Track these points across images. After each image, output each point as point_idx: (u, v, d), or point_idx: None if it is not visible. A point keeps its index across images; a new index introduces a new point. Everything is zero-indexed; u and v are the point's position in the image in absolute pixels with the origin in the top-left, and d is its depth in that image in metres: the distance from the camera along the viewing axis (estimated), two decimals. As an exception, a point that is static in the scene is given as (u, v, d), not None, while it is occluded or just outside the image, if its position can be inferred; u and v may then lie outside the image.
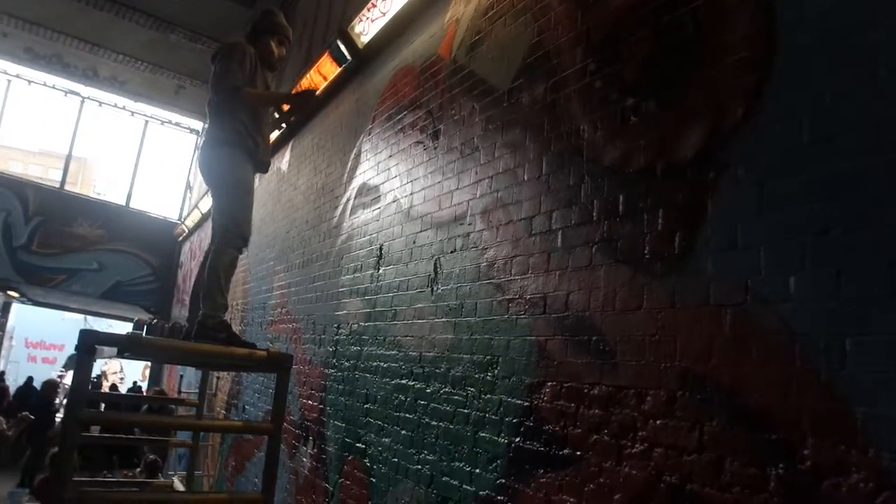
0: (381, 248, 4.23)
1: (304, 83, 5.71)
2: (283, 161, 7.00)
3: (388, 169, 4.38)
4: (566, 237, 2.64)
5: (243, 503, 2.83)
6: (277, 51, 3.38)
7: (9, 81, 12.91)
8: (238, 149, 3.13)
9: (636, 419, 2.17)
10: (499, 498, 2.72)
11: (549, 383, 2.57)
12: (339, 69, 5.19)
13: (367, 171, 4.72)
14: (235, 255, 3.18)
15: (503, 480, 2.72)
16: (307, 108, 3.30)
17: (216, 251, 3.12)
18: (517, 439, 2.68)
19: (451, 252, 3.43)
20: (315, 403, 4.80)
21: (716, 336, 1.97)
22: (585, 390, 2.39)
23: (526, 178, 2.96)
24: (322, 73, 5.42)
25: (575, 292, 2.54)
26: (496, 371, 2.89)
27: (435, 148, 3.80)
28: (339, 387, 4.42)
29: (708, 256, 2.04)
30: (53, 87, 13.00)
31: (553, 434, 2.51)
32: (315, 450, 4.64)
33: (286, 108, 3.48)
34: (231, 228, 3.15)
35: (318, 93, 4.82)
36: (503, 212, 3.07)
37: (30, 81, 12.85)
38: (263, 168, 3.32)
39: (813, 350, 1.71)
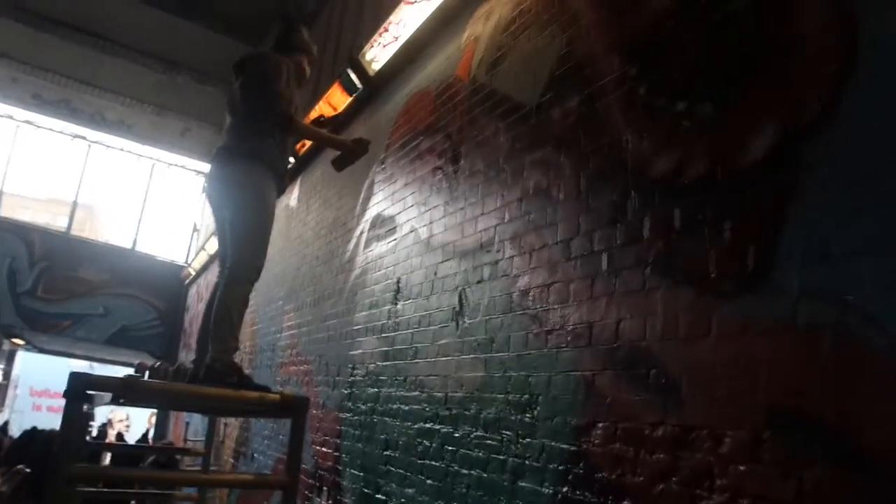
0: (398, 282, 3.96)
1: (313, 114, 5.53)
2: (292, 197, 6.79)
3: (405, 198, 4.14)
4: (612, 259, 2.37)
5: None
6: (308, 70, 3.16)
7: (17, 127, 12.89)
8: (266, 165, 2.84)
9: (711, 465, 1.86)
10: (546, 559, 2.38)
11: (601, 424, 2.27)
12: (349, 99, 5.02)
13: (382, 201, 4.48)
14: (249, 290, 2.89)
15: (549, 538, 2.39)
16: (362, 156, 2.98)
17: (228, 284, 2.83)
18: (564, 489, 2.36)
19: (478, 282, 3.15)
20: (329, 451, 4.46)
21: (810, 364, 1.67)
22: (646, 432, 2.09)
23: (561, 197, 2.71)
24: (332, 104, 5.24)
25: (626, 320, 2.25)
26: (536, 412, 2.59)
27: (455, 172, 3.56)
28: (356, 432, 4.09)
29: (792, 271, 1.76)
30: (61, 133, 12.98)
31: (608, 483, 2.19)
32: (330, 502, 4.28)
33: (339, 153, 3.16)
34: (247, 256, 2.85)
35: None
36: (536, 235, 2.81)
37: (37, 126, 12.83)
38: (282, 191, 3.06)
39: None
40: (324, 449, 4.58)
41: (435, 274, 3.56)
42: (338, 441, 4.37)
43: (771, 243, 1.83)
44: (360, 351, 4.30)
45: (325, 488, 4.43)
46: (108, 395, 2.28)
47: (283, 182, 3.01)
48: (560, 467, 2.41)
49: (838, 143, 1.71)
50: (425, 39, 4.21)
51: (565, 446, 2.40)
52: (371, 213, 4.56)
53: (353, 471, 4.04)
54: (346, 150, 3.09)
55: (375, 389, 3.95)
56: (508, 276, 2.94)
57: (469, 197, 3.38)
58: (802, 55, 1.85)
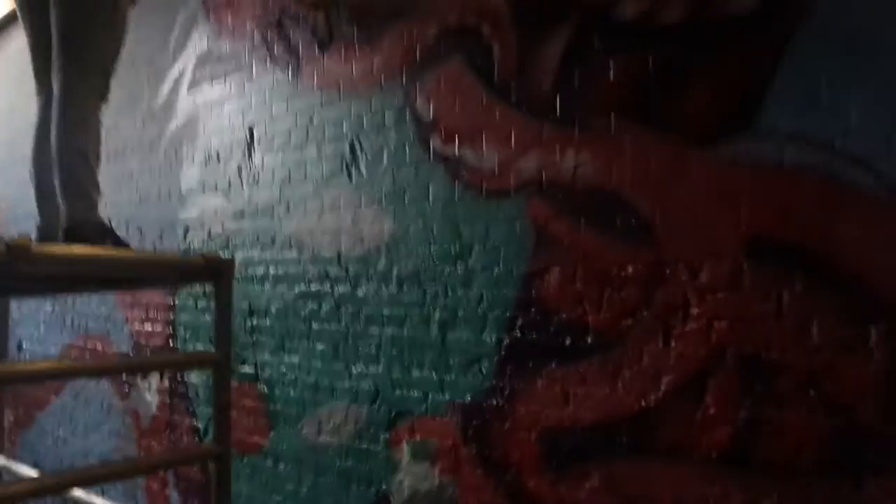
0: (251, 132, 3.43)
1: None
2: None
3: (251, 32, 3.50)
4: (566, 103, 2.32)
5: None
6: None
7: None
8: None
9: (687, 296, 2.03)
10: (491, 402, 2.44)
11: (556, 268, 2.31)
12: None
13: (213, 34, 3.74)
14: (100, 113, 2.26)
15: (493, 382, 2.44)
16: None
17: (70, 111, 2.15)
18: (513, 333, 2.40)
19: (378, 130, 2.87)
20: (158, 329, 3.90)
21: (794, 199, 1.87)
22: (613, 272, 2.18)
23: (493, 34, 2.52)
24: None
25: (586, 165, 2.26)
26: (469, 262, 2.53)
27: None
28: (202, 303, 3.62)
29: (780, 118, 1.90)
30: None
31: (566, 322, 2.27)
32: (167, 383, 3.81)
33: None
34: (98, 70, 2.21)
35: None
36: (461, 76, 2.61)
37: None
38: None
39: (922, 204, 1.69)
40: (147, 327, 3.99)
41: (310, 121, 3.15)
42: (170, 316, 3.83)
43: (760, 90, 1.94)
44: (194, 213, 3.72)
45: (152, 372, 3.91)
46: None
47: None
48: (506, 314, 2.43)
49: (836, -5, 1.84)
50: None
51: (511, 293, 2.42)
52: (196, 48, 3.79)
53: (201, 346, 3.61)
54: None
55: (227, 253, 3.48)
56: (422, 122, 2.72)
57: (360, 31, 2.98)
58: None
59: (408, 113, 2.76)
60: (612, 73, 2.21)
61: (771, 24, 1.92)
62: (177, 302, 3.78)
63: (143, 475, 3.39)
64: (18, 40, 5.10)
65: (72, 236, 2.09)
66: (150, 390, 3.92)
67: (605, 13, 2.24)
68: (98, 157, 2.23)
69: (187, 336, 3.71)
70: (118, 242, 2.21)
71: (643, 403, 2.10)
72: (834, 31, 1.83)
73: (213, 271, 2.04)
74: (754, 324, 1.90)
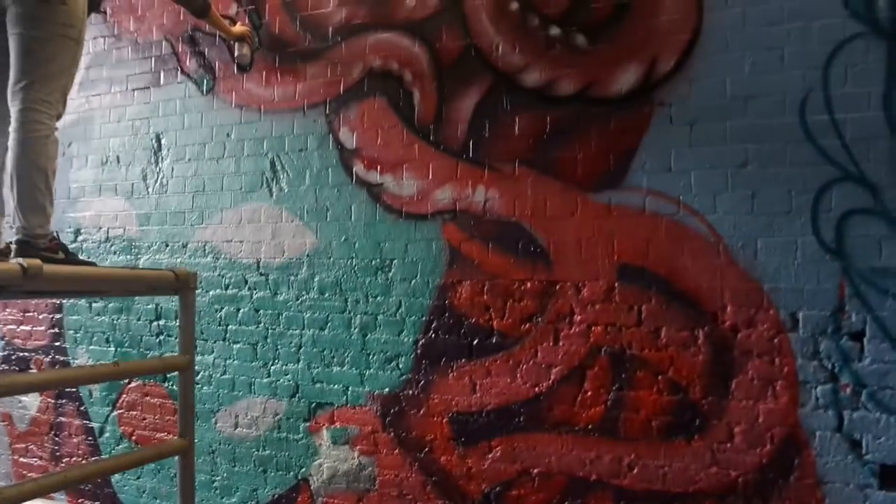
0: (158, 139, 3.52)
1: None
2: None
3: (157, 41, 3.58)
4: (478, 148, 2.83)
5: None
6: None
7: None
8: None
9: (573, 307, 2.66)
10: (408, 392, 2.90)
11: (467, 282, 2.82)
12: None
13: (107, 37, 3.72)
14: (56, 136, 2.36)
15: (410, 375, 2.90)
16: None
17: (31, 129, 2.24)
18: (428, 335, 2.87)
19: (300, 151, 3.18)
20: (41, 328, 3.81)
21: (652, 238, 2.56)
22: (514, 286, 2.75)
23: (415, 81, 2.96)
24: None
25: (495, 199, 2.80)
26: (390, 274, 2.96)
27: (258, 28, 3.30)
28: (96, 303, 3.63)
29: (643, 177, 2.58)
30: None
31: (475, 326, 2.80)
32: (50, 383, 3.74)
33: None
34: (56, 91, 2.31)
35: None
36: (383, 114, 3.02)
37: None
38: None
39: (734, 247, 2.45)
40: (26, 328, 3.86)
41: (228, 135, 3.34)
42: (56, 316, 3.76)
43: (629, 155, 2.60)
44: (89, 213, 3.69)
45: (34, 370, 3.81)
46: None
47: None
48: (422, 318, 2.90)
49: (683, 92, 2.54)
50: None
51: (427, 301, 2.89)
52: (93, 47, 3.73)
53: (94, 346, 3.62)
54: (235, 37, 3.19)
55: (130, 256, 3.55)
56: (345, 149, 3.08)
57: (283, 59, 3.24)
58: (664, 19, 2.58)
59: (331, 139, 3.11)
60: (517, 127, 2.77)
61: (639, 106, 2.59)
62: (65, 303, 3.73)
63: (110, 475, 3.37)
64: None
65: (26, 247, 2.20)
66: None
67: (514, 77, 2.79)
68: (54, 173, 2.34)
69: (78, 337, 3.69)
70: (68, 254, 2.34)
71: (537, 390, 2.69)
72: (679, 118, 2.54)
73: (181, 283, 2.28)
74: (621, 328, 2.58)
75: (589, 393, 2.61)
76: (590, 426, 2.60)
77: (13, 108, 2.26)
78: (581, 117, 2.68)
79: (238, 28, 3.18)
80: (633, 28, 2.63)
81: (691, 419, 2.46)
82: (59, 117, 2.34)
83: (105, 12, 2.69)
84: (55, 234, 2.33)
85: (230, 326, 3.29)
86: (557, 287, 2.68)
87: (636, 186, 2.59)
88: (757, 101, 2.45)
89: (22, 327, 3.89)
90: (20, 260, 1.77)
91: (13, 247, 2.24)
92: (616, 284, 2.60)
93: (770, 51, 2.45)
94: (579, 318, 2.64)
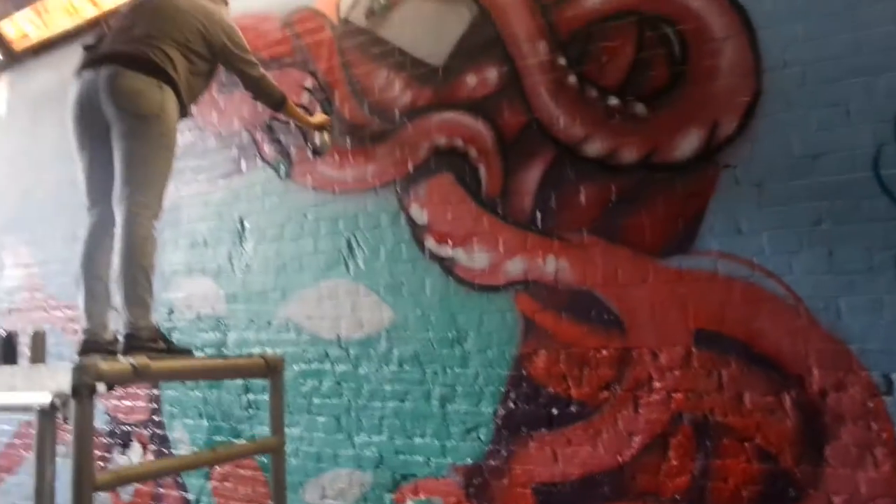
0: (242, 222, 3.77)
1: (56, 4, 4.45)
2: (-7, 101, 5.32)
3: (242, 130, 3.86)
4: (546, 219, 2.90)
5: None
6: None
7: None
8: (174, 95, 2.57)
9: (650, 373, 2.64)
10: (489, 463, 2.93)
11: (542, 351, 2.86)
12: (126, -2, 4.20)
13: (201, 129, 4.05)
14: (155, 235, 2.59)
15: (491, 446, 2.94)
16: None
17: (134, 232, 2.47)
18: (506, 405, 2.91)
19: (374, 228, 3.33)
20: (141, 404, 4.07)
21: (727, 302, 2.53)
22: (590, 354, 2.76)
23: (481, 158, 3.08)
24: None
25: (566, 269, 2.84)
26: (465, 346, 3.03)
27: (328, 111, 3.52)
28: (190, 381, 3.85)
29: (713, 240, 2.58)
30: None
31: (554, 395, 2.82)
32: (150, 456, 3.98)
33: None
34: (155, 195, 2.55)
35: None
36: (452, 189, 3.14)
37: None
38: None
39: (814, 308, 2.40)
40: (127, 402, 4.14)
41: (305, 216, 3.55)
42: (154, 391, 4.02)
43: (697, 219, 2.61)
44: (181, 294, 3.96)
45: (136, 443, 4.06)
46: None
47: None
48: (500, 389, 2.94)
49: (747, 153, 2.54)
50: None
51: (503, 371, 2.94)
52: (181, 140, 4.05)
53: (189, 420, 3.84)
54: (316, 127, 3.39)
55: (219, 334, 3.77)
56: (416, 225, 3.21)
57: (354, 141, 3.44)
58: (722, 83, 2.61)
59: (402, 216, 3.25)
60: (582, 197, 2.83)
61: (704, 170, 2.61)
62: (163, 380, 3.98)
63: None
64: (38, 80, 5.11)
65: (132, 339, 2.41)
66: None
67: (576, 148, 2.86)
68: (153, 268, 2.55)
69: (174, 412, 3.92)
70: (168, 342, 2.54)
71: (619, 459, 2.67)
72: (745, 179, 2.54)
73: (270, 368, 2.43)
74: (702, 394, 2.54)
75: (674, 461, 2.57)
76: (676, 496, 2.55)
77: (118, 214, 2.51)
78: (646, 184, 2.72)
79: (317, 118, 3.37)
80: (691, 93, 2.67)
81: (784, 488, 2.38)
82: (156, 217, 2.57)
83: (192, 116, 2.96)
84: (156, 325, 2.53)
85: (314, 400, 3.42)
86: (634, 354, 2.68)
87: (707, 250, 2.58)
88: (825, 158, 2.43)
89: (124, 402, 4.17)
90: (130, 360, 1.96)
91: (120, 339, 2.45)
92: (693, 350, 2.58)
93: (835, 107, 2.43)
94: (658, 384, 2.63)
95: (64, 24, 4.60)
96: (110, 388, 1.99)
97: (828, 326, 2.37)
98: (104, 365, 1.84)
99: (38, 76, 5.07)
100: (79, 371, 1.78)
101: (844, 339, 2.34)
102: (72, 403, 1.76)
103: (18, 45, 4.95)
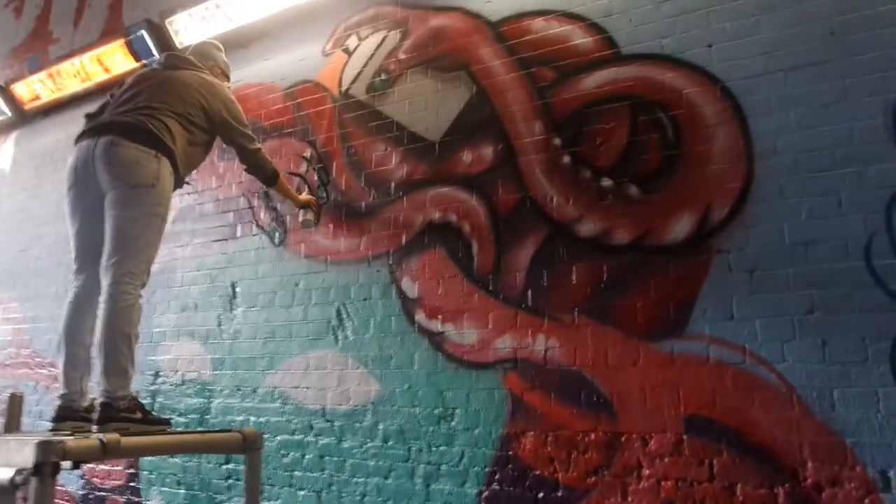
0: (233, 287, 3.75)
1: (69, 69, 4.58)
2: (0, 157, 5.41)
3: (238, 196, 3.90)
4: (537, 297, 2.88)
5: None
6: None
7: None
8: (171, 166, 2.58)
9: (640, 460, 2.56)
10: (473, 547, 2.81)
11: (530, 433, 2.78)
12: (136, 65, 4.33)
13: (199, 193, 4.08)
14: (138, 298, 2.55)
15: (475, 529, 2.82)
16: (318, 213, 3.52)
17: (119, 300, 2.44)
18: (491, 487, 2.81)
19: (364, 300, 3.31)
20: (118, 468, 3.95)
21: (719, 388, 2.48)
22: (578, 437, 2.69)
23: (474, 233, 3.08)
24: (103, 63, 4.42)
25: (555, 348, 2.80)
26: (452, 423, 2.96)
27: (326, 185, 3.56)
28: (170, 447, 3.75)
29: (705, 325, 2.55)
30: None
31: (540, 478, 2.72)
32: None
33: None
34: (143, 263, 2.52)
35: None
36: (443, 265, 3.13)
37: None
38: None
39: (808, 398, 2.34)
40: (104, 466, 4.01)
41: (296, 285, 3.53)
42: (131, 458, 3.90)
43: (690, 303, 2.59)
44: (168, 356, 3.90)
45: (109, 512, 3.91)
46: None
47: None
48: (485, 469, 2.85)
49: (740, 238, 2.54)
50: (266, 30, 3.99)
51: (490, 451, 2.85)
52: (179, 202, 4.10)
53: (166, 488, 3.70)
54: (301, 205, 3.41)
55: (203, 400, 3.69)
56: (407, 298, 3.19)
57: (349, 212, 3.46)
58: (714, 168, 2.64)
59: (393, 289, 3.23)
60: (574, 276, 2.82)
61: (696, 254, 2.61)
62: (143, 446, 3.86)
63: None
64: (44, 138, 5.17)
65: (108, 409, 2.34)
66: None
67: (569, 228, 2.87)
68: (137, 337, 2.51)
69: (152, 479, 3.79)
70: (145, 413, 2.47)
71: (607, 550, 2.56)
72: (738, 265, 2.53)
73: (248, 444, 2.35)
74: (693, 483, 2.45)
75: (664, 555, 2.46)
76: None
77: (104, 281, 2.48)
78: (638, 266, 2.71)
79: (304, 197, 3.41)
80: (684, 177, 2.70)
81: (779, 591, 2.27)
82: (143, 286, 2.55)
83: (189, 183, 2.99)
84: (134, 393, 2.47)
85: (295, 472, 3.31)
86: (623, 439, 2.61)
87: (699, 334, 2.55)
88: (817, 247, 2.43)
89: (101, 466, 4.04)
90: (100, 436, 1.89)
91: (97, 406, 2.39)
92: (684, 436, 2.51)
93: (826, 196, 2.45)
94: (647, 471, 2.54)
95: (74, 87, 4.71)
96: (76, 466, 1.92)
97: (822, 417, 2.31)
98: (71, 442, 1.78)
99: (45, 135, 5.17)
100: (43, 448, 1.72)
101: (839, 431, 2.28)
102: (33, 482, 1.70)
103: (29, 105, 5.06)
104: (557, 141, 2.98)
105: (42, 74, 4.81)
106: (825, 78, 2.55)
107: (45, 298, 4.65)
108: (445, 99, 3.32)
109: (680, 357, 2.56)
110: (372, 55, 3.60)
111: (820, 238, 2.43)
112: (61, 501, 4.14)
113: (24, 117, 5.24)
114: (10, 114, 5.15)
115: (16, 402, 2.75)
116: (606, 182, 2.83)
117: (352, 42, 3.71)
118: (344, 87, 3.66)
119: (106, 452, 1.85)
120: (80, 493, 4.09)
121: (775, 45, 2.67)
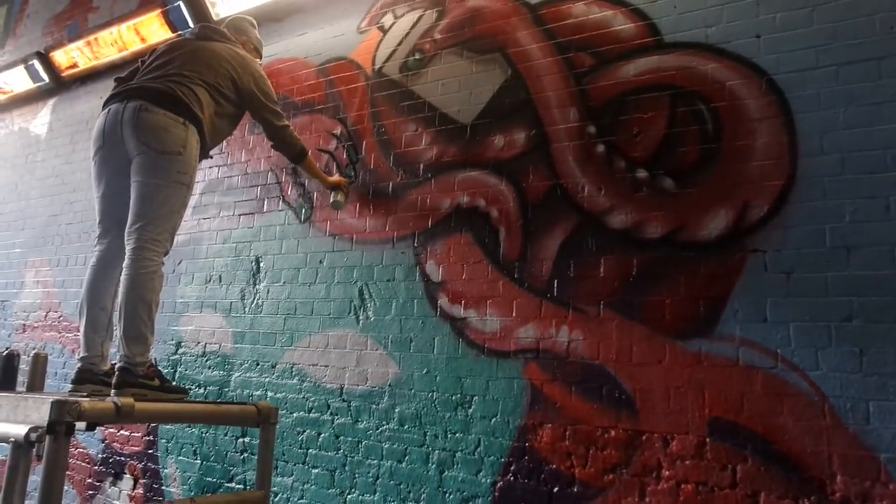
0: (258, 262, 3.75)
1: (106, 37, 4.61)
2: (36, 121, 5.47)
3: (268, 170, 3.88)
4: (563, 287, 2.81)
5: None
6: None
7: None
8: (198, 135, 2.57)
9: (660, 460, 2.49)
10: (484, 537, 2.77)
11: (548, 425, 2.73)
12: (173, 35, 4.33)
13: (228, 166, 4.08)
14: (162, 266, 2.55)
15: (487, 519, 2.79)
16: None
17: (141, 266, 2.44)
18: (506, 477, 2.77)
19: (388, 281, 3.27)
20: (137, 435, 3.99)
21: (747, 392, 2.40)
22: (598, 433, 2.62)
23: (502, 219, 3.02)
24: (140, 33, 4.43)
25: (578, 341, 2.74)
26: (470, 410, 2.91)
27: (354, 162, 3.53)
28: (189, 417, 3.77)
29: (736, 326, 2.46)
30: None
31: (556, 473, 2.67)
32: (140, 491, 3.88)
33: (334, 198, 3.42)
34: (166, 231, 2.52)
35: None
36: (469, 250, 3.08)
37: None
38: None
39: (841, 409, 2.25)
40: (124, 432, 4.07)
41: (320, 262, 3.51)
42: (152, 424, 3.94)
43: (721, 303, 2.50)
44: (190, 327, 3.92)
45: (127, 476, 3.97)
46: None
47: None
48: (501, 459, 2.80)
49: (778, 239, 2.44)
50: (302, 4, 3.95)
51: (506, 442, 2.80)
52: (208, 175, 4.10)
53: (184, 458, 3.74)
54: (331, 186, 3.41)
55: (222, 372, 3.70)
56: (430, 281, 3.15)
57: (376, 192, 3.42)
58: (755, 165, 2.54)
59: (417, 272, 3.19)
60: (602, 268, 2.74)
61: (731, 252, 2.51)
62: (162, 414, 3.90)
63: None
64: (80, 105, 5.24)
65: (126, 374, 2.35)
66: (119, 496, 3.95)
67: (600, 219, 2.79)
68: (157, 305, 2.51)
69: (169, 447, 3.83)
70: (163, 380, 2.47)
71: (621, 550, 2.50)
72: (774, 266, 2.43)
73: (262, 418, 2.34)
74: (714, 489, 2.38)
75: (679, 560, 2.40)
76: None
77: (128, 246, 2.49)
78: (669, 261, 2.62)
79: (334, 178, 3.39)
80: (722, 173, 2.60)
81: None
82: (166, 254, 2.55)
83: (212, 157, 2.98)
84: (153, 360, 2.47)
85: (310, 451, 3.31)
86: (644, 438, 2.54)
87: (729, 336, 2.46)
88: (860, 252, 2.32)
89: (122, 432, 4.09)
90: (115, 399, 1.89)
91: (116, 371, 2.40)
92: (707, 440, 2.43)
93: (873, 199, 2.34)
94: (667, 473, 2.47)
95: (111, 55, 4.73)
96: (90, 427, 1.93)
97: (855, 430, 2.22)
98: (86, 403, 1.78)
99: (81, 102, 5.22)
100: (58, 407, 1.72)
101: (873, 445, 2.19)
102: (47, 440, 1.70)
103: (66, 72, 5.10)
104: (592, 129, 2.90)
105: (80, 42, 4.84)
106: (881, 75, 2.42)
107: (75, 264, 4.71)
108: (479, 81, 3.25)
109: (708, 357, 2.48)
110: (407, 34, 3.54)
111: (863, 243, 2.32)
112: (81, 462, 4.21)
113: (62, 84, 5.29)
114: (48, 80, 5.21)
115: (40, 362, 2.78)
116: (641, 173, 2.75)
117: (387, 20, 3.66)
118: (377, 66, 3.61)
119: (120, 416, 1.85)
120: (101, 456, 4.15)
121: (828, 38, 2.54)
